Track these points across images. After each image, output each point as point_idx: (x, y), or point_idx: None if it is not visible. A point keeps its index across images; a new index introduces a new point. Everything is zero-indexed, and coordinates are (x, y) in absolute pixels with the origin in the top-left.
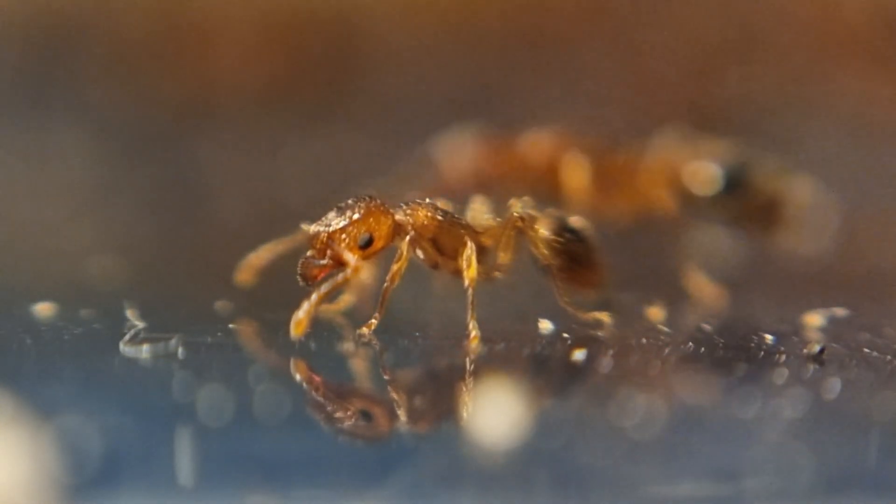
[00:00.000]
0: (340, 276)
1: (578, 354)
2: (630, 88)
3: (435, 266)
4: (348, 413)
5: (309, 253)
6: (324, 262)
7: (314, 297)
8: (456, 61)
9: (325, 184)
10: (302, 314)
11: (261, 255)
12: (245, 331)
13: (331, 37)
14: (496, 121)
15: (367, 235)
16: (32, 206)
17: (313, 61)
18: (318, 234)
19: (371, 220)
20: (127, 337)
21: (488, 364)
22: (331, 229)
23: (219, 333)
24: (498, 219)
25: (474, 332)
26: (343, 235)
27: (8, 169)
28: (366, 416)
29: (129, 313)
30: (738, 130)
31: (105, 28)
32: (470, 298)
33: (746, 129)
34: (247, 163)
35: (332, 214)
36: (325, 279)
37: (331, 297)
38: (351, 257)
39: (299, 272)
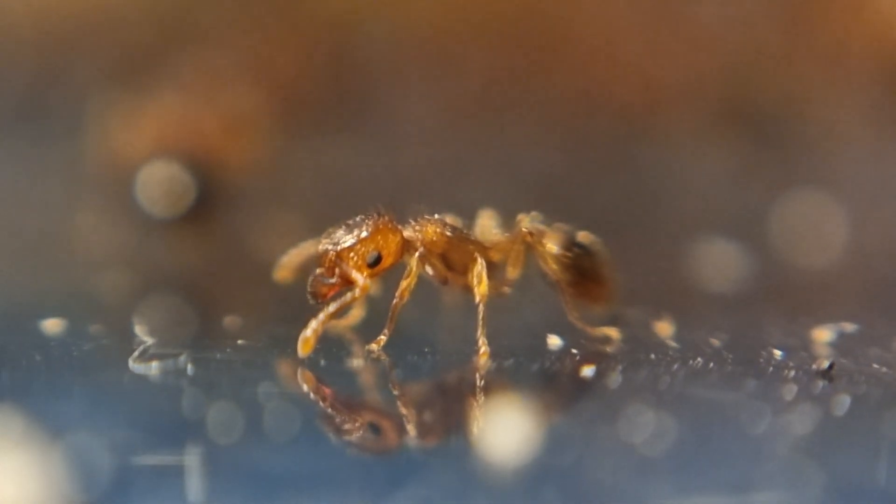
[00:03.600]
0: (349, 296)
1: (587, 370)
2: None
3: (444, 282)
4: (358, 429)
5: (318, 271)
6: (333, 280)
7: (321, 316)
8: None
9: (332, 199)
10: (309, 333)
11: (299, 254)
12: (254, 347)
13: None
14: None
15: (375, 253)
16: (40, 220)
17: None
18: (326, 252)
19: (379, 237)
20: (136, 353)
21: (497, 379)
22: (339, 248)
23: (228, 349)
24: (506, 234)
25: (484, 348)
26: (351, 254)
27: (14, 182)
28: (375, 431)
29: (138, 329)
30: (740, 143)
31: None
32: (480, 314)
33: (750, 142)
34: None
35: (340, 232)
36: (334, 297)
37: (340, 313)
38: (359, 276)
39: (309, 290)
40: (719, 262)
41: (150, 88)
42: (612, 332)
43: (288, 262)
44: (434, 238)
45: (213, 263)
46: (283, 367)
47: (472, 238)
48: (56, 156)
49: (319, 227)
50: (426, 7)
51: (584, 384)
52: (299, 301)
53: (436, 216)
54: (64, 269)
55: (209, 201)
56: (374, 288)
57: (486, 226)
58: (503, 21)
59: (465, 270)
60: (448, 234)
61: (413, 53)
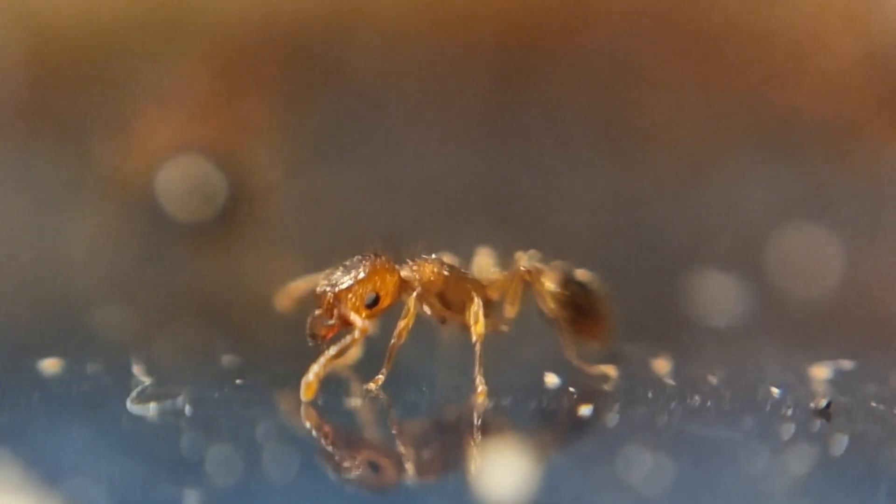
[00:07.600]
0: (348, 338)
1: (585, 409)
2: None
3: (443, 321)
4: (357, 468)
5: (317, 312)
6: (331, 321)
7: (322, 359)
8: None
9: (334, 231)
10: (311, 377)
11: (300, 286)
12: (252, 386)
13: None
14: None
15: (373, 294)
16: (37, 255)
17: None
18: (324, 293)
19: (377, 278)
20: (134, 393)
21: (495, 418)
22: (337, 290)
23: (226, 389)
24: (504, 272)
25: (481, 387)
26: (349, 295)
27: (11, 216)
28: (374, 470)
29: (136, 369)
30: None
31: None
32: (477, 353)
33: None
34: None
35: (338, 273)
36: (333, 338)
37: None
38: (358, 318)
39: (308, 331)
40: (716, 298)
41: (148, 108)
42: (610, 370)
43: (289, 292)
44: (431, 278)
45: (213, 300)
46: (282, 407)
47: (470, 277)
48: (53, 185)
49: (320, 263)
50: (426, 40)
51: (582, 423)
52: (297, 339)
53: (433, 256)
54: (61, 305)
55: (207, 236)
56: (373, 327)
57: (484, 264)
58: (503, 49)
59: (462, 309)
60: (445, 273)
61: (413, 84)
